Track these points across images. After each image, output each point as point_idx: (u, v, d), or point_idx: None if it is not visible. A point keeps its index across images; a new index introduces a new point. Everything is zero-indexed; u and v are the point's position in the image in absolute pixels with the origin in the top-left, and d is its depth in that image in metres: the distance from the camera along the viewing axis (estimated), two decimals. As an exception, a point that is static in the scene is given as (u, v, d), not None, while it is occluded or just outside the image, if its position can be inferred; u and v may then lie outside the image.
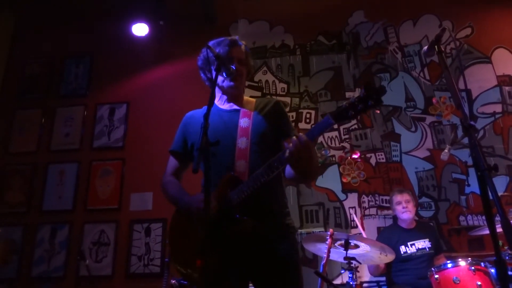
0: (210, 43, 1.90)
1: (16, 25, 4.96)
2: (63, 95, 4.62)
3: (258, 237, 1.66)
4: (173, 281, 3.06)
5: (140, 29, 4.46)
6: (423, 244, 3.38)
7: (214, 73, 1.75)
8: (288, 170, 1.73)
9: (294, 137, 1.48)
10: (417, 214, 3.81)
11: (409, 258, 3.34)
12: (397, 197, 3.50)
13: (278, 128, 1.84)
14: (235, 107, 1.91)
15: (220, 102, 1.93)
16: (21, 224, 4.07)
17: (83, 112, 4.49)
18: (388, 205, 3.84)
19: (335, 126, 4.24)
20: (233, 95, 1.93)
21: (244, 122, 1.82)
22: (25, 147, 4.38)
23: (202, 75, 1.99)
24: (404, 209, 3.44)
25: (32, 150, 4.36)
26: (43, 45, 4.85)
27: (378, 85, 1.61)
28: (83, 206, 4.11)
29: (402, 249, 3.37)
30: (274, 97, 4.47)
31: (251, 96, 2.08)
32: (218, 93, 1.93)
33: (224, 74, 1.77)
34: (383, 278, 3.50)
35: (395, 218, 3.71)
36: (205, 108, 1.84)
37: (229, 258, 1.66)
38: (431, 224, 3.77)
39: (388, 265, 3.40)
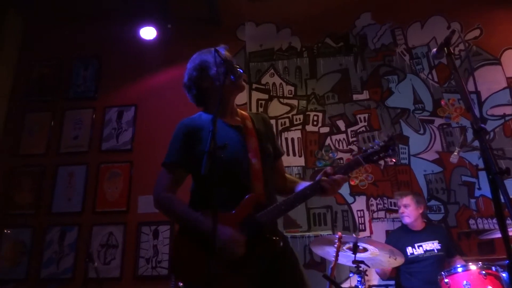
0: (199, 54, 1.90)
1: (25, 28, 5.01)
2: (72, 97, 4.66)
3: (284, 253, 1.73)
4: (181, 284, 3.07)
5: (148, 33, 4.49)
6: (431, 245, 3.35)
7: (221, 78, 1.73)
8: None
9: (333, 176, 1.65)
10: (426, 217, 3.78)
11: (416, 259, 3.31)
12: (398, 202, 3.55)
13: (275, 149, 1.94)
14: (236, 122, 1.87)
15: (219, 113, 1.76)
16: (30, 226, 4.10)
17: (92, 115, 4.52)
18: (396, 208, 3.82)
19: (343, 129, 4.25)
20: (233, 106, 1.91)
21: (252, 142, 1.81)
22: (35, 149, 4.42)
23: (193, 90, 1.86)
24: (402, 214, 3.47)
25: (41, 152, 4.40)
26: (52, 48, 4.90)
27: (395, 137, 1.78)
28: (92, 208, 4.13)
29: (409, 250, 3.36)
30: (281, 99, 4.47)
31: (243, 104, 2.07)
32: (214, 103, 1.81)
33: (232, 78, 1.75)
34: (392, 282, 3.48)
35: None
36: (199, 115, 1.88)
37: (256, 277, 1.64)
38: (442, 225, 3.74)
39: (397, 268, 3.37)
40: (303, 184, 1.85)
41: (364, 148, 1.71)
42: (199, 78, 1.86)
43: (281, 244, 1.67)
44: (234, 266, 1.58)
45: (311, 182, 1.75)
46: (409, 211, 3.44)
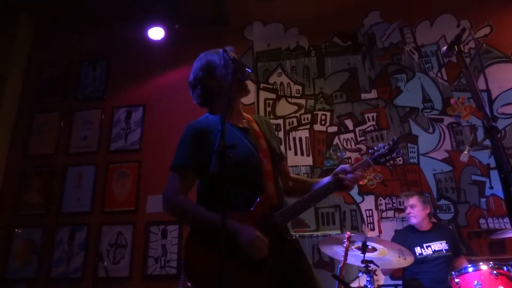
0: (205, 53, 1.90)
1: (34, 30, 5.06)
2: (81, 98, 4.70)
3: (302, 252, 1.75)
4: (190, 284, 3.08)
5: (156, 33, 4.51)
6: (439, 246, 3.33)
7: (229, 77, 1.72)
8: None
9: (351, 174, 1.75)
10: (435, 217, 3.76)
11: (425, 260, 3.29)
12: (404, 203, 3.54)
13: (279, 150, 1.93)
14: (243, 124, 1.86)
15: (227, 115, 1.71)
16: (40, 226, 4.14)
17: (101, 115, 4.55)
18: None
19: (351, 128, 4.23)
20: (239, 109, 1.89)
21: (261, 143, 1.81)
22: (44, 150, 4.46)
23: (198, 89, 1.85)
24: (409, 214, 3.46)
25: (50, 152, 4.44)
26: (61, 49, 4.95)
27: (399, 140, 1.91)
28: (101, 208, 4.16)
29: (417, 250, 3.33)
30: (288, 99, 4.47)
31: (250, 104, 2.06)
32: (220, 103, 1.83)
33: (240, 77, 1.74)
34: (401, 282, 3.46)
35: (412, 221, 3.66)
36: (205, 117, 1.88)
37: (278, 278, 1.63)
38: (450, 227, 3.71)
39: (403, 268, 3.35)
40: (317, 184, 1.86)
41: (370, 151, 1.81)
42: (205, 78, 1.84)
43: (298, 242, 1.69)
44: (250, 268, 1.57)
45: (325, 182, 1.78)
46: (416, 212, 3.42)
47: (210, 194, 1.72)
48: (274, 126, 2.09)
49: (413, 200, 3.45)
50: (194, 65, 1.90)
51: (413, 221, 3.44)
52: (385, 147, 1.79)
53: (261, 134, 1.86)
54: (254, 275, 1.58)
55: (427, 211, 3.47)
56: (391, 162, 1.81)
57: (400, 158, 4.02)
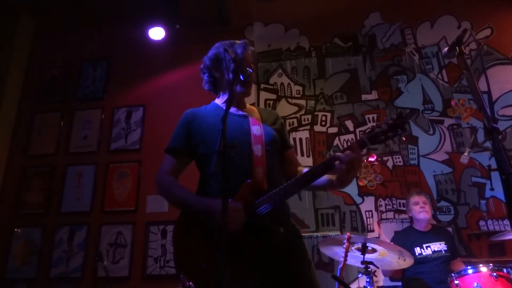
0: (221, 44, 1.95)
1: (35, 30, 5.07)
2: (81, 98, 4.70)
3: (288, 244, 1.70)
4: (189, 283, 3.07)
5: (156, 33, 4.51)
6: (439, 246, 3.35)
7: (231, 75, 1.77)
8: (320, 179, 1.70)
9: (348, 151, 1.54)
10: (435, 218, 3.76)
11: (424, 260, 3.29)
12: (415, 198, 3.52)
13: (282, 140, 1.94)
14: (242, 112, 1.91)
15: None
16: (40, 225, 4.14)
17: (101, 115, 4.56)
18: (404, 208, 3.80)
19: (351, 129, 4.23)
20: (240, 100, 1.94)
21: (256, 130, 1.82)
22: (44, 150, 4.46)
23: (205, 76, 1.97)
24: (422, 209, 3.45)
25: (51, 152, 4.44)
26: (62, 49, 4.95)
27: (406, 115, 1.68)
28: (101, 208, 4.16)
29: (417, 251, 3.34)
30: (289, 99, 4.46)
31: (251, 104, 2.08)
32: (224, 96, 1.96)
33: (241, 77, 1.76)
34: (400, 283, 3.45)
35: (411, 221, 3.65)
36: (205, 107, 1.97)
37: (256, 267, 1.62)
38: (449, 229, 3.70)
39: (403, 268, 3.35)
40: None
41: (370, 128, 1.57)
42: (211, 67, 1.94)
43: (281, 232, 1.62)
44: (235, 256, 1.56)
45: (313, 167, 1.67)
46: (428, 208, 3.47)
47: (204, 180, 1.82)
48: (281, 118, 2.04)
49: (426, 198, 3.53)
50: (208, 52, 1.99)
51: (426, 216, 3.43)
52: (389, 122, 1.53)
53: (258, 121, 1.87)
54: (240, 264, 1.57)
55: (432, 213, 3.54)
56: (393, 139, 1.60)
57: (400, 158, 4.02)
